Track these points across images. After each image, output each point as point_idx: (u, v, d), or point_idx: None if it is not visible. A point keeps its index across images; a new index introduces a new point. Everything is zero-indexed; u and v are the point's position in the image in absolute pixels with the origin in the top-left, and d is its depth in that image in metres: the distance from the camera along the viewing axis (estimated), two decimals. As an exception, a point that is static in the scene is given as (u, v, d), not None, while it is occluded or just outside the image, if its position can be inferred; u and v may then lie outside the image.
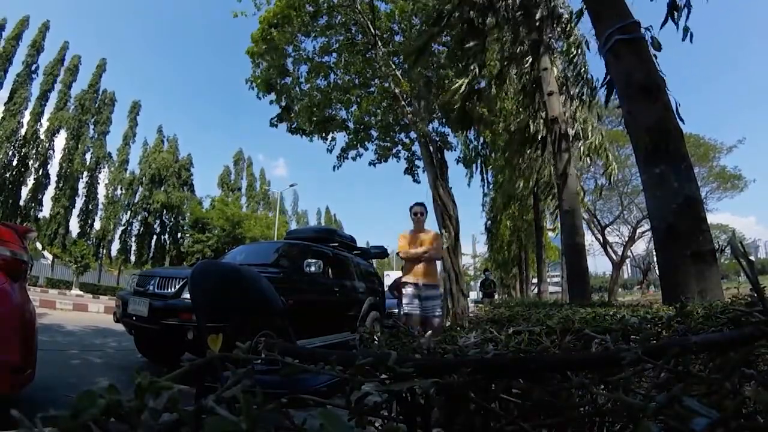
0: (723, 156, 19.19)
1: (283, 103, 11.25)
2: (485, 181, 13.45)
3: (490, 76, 7.09)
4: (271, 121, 11.56)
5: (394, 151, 11.93)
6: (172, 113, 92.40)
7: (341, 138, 11.91)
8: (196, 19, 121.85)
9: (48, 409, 0.23)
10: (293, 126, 11.59)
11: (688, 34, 3.84)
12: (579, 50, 7.46)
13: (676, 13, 3.75)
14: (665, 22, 3.79)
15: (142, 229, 28.86)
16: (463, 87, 6.40)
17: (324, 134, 11.68)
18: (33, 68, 24.63)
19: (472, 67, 6.36)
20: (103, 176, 27.46)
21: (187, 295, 3.39)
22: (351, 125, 11.62)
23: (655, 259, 5.36)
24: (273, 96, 11.12)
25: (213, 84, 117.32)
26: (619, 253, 21.68)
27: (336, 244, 5.76)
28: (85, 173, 26.36)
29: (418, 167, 11.82)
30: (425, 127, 9.70)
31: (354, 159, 11.86)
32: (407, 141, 11.74)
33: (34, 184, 24.43)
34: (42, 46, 25.18)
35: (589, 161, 8.56)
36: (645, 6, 3.93)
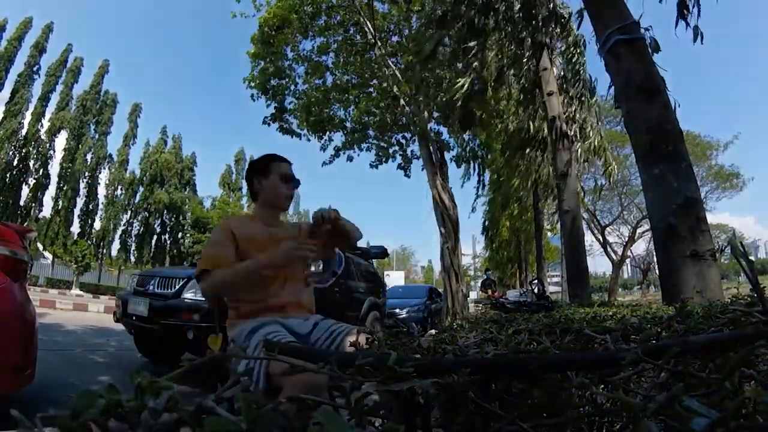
0: (720, 153, 19.21)
1: (277, 104, 11.32)
2: (481, 182, 13.31)
3: (488, 78, 7.07)
4: (265, 119, 11.60)
5: (391, 151, 11.97)
6: (174, 112, 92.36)
7: (338, 137, 12.02)
8: (197, 19, 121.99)
9: (48, 409, 0.23)
10: (285, 126, 11.67)
11: (699, 34, 3.83)
12: (578, 50, 7.45)
13: (686, 12, 3.75)
14: (678, 21, 3.78)
15: (142, 229, 28.86)
16: (465, 86, 6.36)
17: (321, 134, 11.72)
18: (35, 69, 24.62)
19: (474, 66, 6.33)
20: (104, 176, 27.50)
21: (187, 295, 3.39)
22: (348, 125, 11.64)
23: (655, 259, 5.36)
24: (269, 97, 11.19)
25: (216, 82, 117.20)
26: (619, 253, 21.72)
27: None
28: (86, 173, 26.36)
29: (411, 162, 11.89)
30: (425, 126, 9.69)
31: (350, 160, 11.88)
32: (403, 141, 11.79)
33: (34, 184, 24.43)
34: (45, 47, 25.15)
35: (587, 161, 8.55)
36: (650, 6, 3.92)
